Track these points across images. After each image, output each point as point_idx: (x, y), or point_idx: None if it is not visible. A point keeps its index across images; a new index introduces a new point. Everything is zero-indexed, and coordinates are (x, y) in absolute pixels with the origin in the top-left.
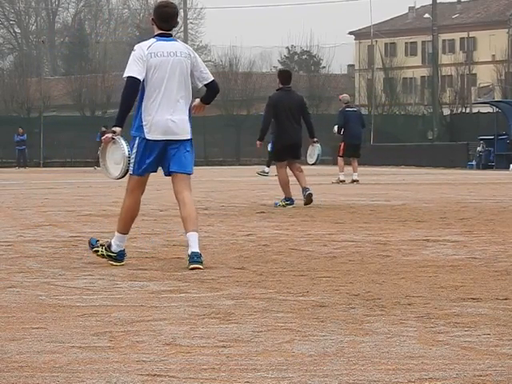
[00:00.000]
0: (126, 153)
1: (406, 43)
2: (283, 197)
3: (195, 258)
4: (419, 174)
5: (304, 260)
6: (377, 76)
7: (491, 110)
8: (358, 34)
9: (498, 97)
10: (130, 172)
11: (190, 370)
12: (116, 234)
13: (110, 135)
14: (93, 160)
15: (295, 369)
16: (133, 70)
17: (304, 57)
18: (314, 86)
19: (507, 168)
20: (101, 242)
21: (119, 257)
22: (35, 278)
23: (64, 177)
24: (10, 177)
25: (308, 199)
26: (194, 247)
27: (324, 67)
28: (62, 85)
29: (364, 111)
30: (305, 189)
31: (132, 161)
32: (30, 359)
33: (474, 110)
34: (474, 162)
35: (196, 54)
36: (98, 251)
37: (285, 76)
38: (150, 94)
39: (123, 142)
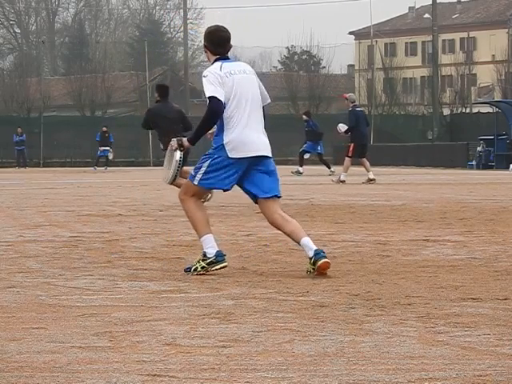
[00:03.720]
0: (178, 158)
1: (406, 43)
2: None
3: (321, 253)
4: (419, 173)
5: (304, 260)
6: (377, 76)
7: (491, 110)
8: (358, 34)
9: (497, 97)
10: (197, 183)
11: (190, 370)
12: (201, 240)
13: (176, 145)
14: (93, 160)
15: (295, 369)
16: (214, 90)
17: (304, 57)
18: (314, 86)
19: (507, 168)
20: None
21: (219, 257)
22: (35, 278)
23: (64, 177)
24: (9, 177)
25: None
26: (314, 246)
27: (324, 67)
28: (61, 85)
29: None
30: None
31: (201, 171)
32: (30, 359)
33: (474, 110)
34: (473, 162)
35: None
36: (197, 269)
37: (163, 90)
38: (237, 113)
39: (178, 152)
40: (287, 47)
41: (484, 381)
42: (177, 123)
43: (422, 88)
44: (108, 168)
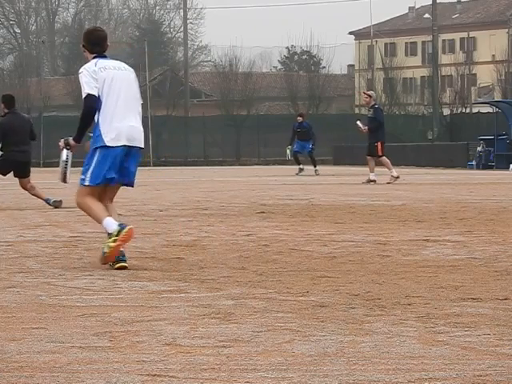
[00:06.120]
0: (64, 157)
1: (406, 43)
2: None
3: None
4: (419, 173)
5: (304, 260)
6: (377, 76)
7: (491, 110)
8: (358, 34)
9: (498, 97)
10: (88, 183)
11: (190, 370)
12: (103, 224)
13: (63, 145)
14: None
15: (295, 369)
16: (89, 88)
17: (304, 57)
18: (314, 86)
19: (507, 168)
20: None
21: (121, 226)
22: (35, 278)
23: None
24: (10, 177)
25: (59, 204)
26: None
27: (324, 67)
28: (61, 85)
29: (364, 111)
30: (47, 200)
31: (89, 172)
32: (30, 359)
33: (474, 110)
34: (473, 162)
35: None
36: (105, 250)
37: (9, 100)
38: (108, 105)
39: (64, 152)
40: (287, 47)
41: (484, 381)
42: (27, 134)
43: (421, 88)
44: None
